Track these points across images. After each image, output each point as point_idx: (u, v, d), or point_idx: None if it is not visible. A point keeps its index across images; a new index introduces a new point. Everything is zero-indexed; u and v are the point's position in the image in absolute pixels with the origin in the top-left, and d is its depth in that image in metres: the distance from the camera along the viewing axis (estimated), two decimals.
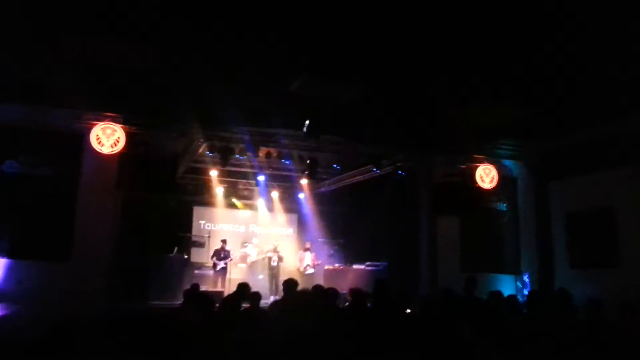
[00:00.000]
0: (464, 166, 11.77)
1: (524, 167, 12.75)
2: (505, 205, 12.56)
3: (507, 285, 11.33)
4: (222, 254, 12.68)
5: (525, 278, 11.99)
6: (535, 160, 12.40)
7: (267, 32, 7.28)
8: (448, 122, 10.02)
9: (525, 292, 11.38)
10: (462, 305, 5.90)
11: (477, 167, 11.76)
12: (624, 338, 4.64)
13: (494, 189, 11.94)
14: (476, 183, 11.65)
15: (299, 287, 5.71)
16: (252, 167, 13.52)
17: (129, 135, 9.56)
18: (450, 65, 8.12)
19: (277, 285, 12.36)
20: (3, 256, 9.03)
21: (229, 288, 11.37)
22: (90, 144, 9.42)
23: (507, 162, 12.56)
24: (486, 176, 11.80)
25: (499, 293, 6.83)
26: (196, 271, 13.03)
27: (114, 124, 9.45)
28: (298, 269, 13.42)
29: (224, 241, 13.03)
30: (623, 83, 8.19)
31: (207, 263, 13.31)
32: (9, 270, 9.10)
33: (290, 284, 5.50)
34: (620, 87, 8.37)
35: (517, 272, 12.09)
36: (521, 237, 12.45)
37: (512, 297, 6.34)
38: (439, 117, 9.90)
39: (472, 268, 10.76)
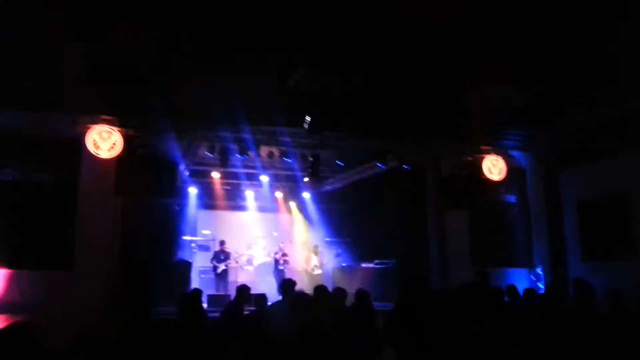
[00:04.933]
0: (470, 158, 11.49)
1: (533, 157, 12.46)
2: (514, 197, 12.28)
3: (520, 279, 11.04)
4: (221, 255, 12.42)
5: (539, 271, 11.69)
6: (544, 150, 12.11)
7: (264, 23, 7.06)
8: (453, 112, 9.74)
9: (540, 285, 11.10)
10: (475, 300, 5.62)
11: (485, 158, 11.50)
12: None
13: (502, 180, 11.67)
14: (484, 175, 11.38)
15: (307, 288, 5.50)
16: (254, 167, 13.30)
17: (126, 139, 9.35)
18: (454, 54, 7.87)
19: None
20: (3, 266, 8.84)
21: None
22: (87, 149, 9.23)
23: (515, 153, 12.28)
24: (494, 167, 11.52)
25: (514, 287, 6.60)
26: (202, 275, 12.83)
27: (110, 127, 9.25)
28: (305, 270, 13.18)
29: (222, 242, 12.76)
30: (626, 63, 7.92)
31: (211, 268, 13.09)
32: (10, 280, 8.92)
33: (286, 285, 5.25)
34: (623, 68, 8.10)
35: (529, 266, 11.81)
36: (532, 229, 12.16)
37: (530, 290, 6.08)
38: (443, 107, 9.63)
39: (483, 262, 10.53)
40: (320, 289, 5.15)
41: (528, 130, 11.51)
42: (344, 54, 7.85)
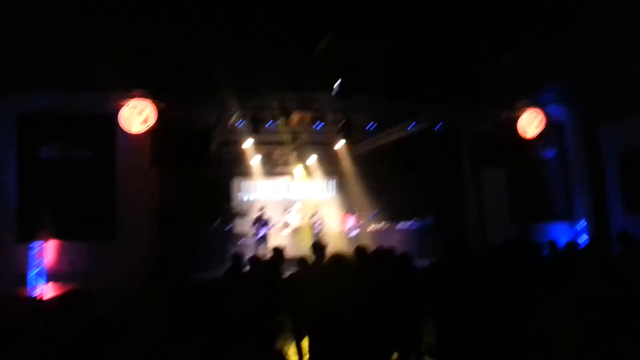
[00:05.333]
0: (507, 114, 11.21)
1: (571, 111, 12.06)
2: (553, 151, 11.95)
3: (561, 234, 10.87)
4: (261, 221, 12.66)
5: (581, 224, 11.48)
6: (583, 103, 11.68)
7: None
8: (487, 69, 9.46)
9: (582, 238, 10.91)
10: (519, 256, 5.55)
11: (521, 114, 11.19)
12: None
13: (540, 136, 11.36)
14: (520, 131, 11.10)
15: (344, 250, 5.50)
16: (286, 133, 13.29)
17: (158, 112, 9.46)
18: (487, 9, 7.60)
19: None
20: (52, 238, 9.21)
21: None
22: (121, 123, 9.39)
23: (553, 107, 11.89)
24: (531, 123, 11.21)
25: (554, 242, 6.49)
26: (240, 241, 13.09)
27: (142, 101, 9.36)
28: (341, 232, 13.27)
29: (262, 208, 13.00)
30: None
31: (249, 233, 13.33)
32: (60, 251, 9.28)
33: (317, 247, 5.29)
34: None
35: (571, 219, 11.58)
36: (573, 183, 11.87)
37: (572, 244, 5.97)
38: (477, 64, 9.35)
39: (524, 219, 10.37)
40: (360, 250, 5.17)
41: (565, 83, 11.09)
42: (374, 15, 7.69)
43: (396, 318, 3.99)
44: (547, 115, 11.56)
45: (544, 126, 11.22)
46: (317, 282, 4.06)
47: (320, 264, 5.05)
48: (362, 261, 4.98)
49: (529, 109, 11.25)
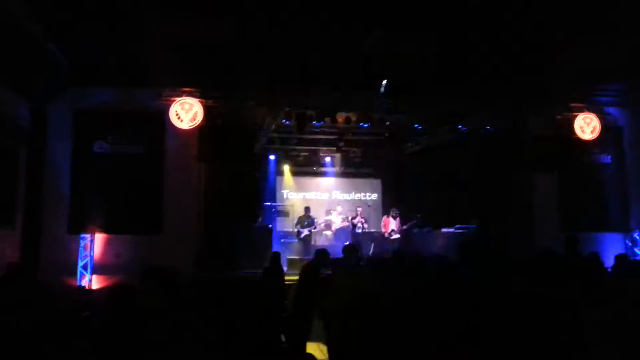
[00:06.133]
0: (560, 116, 10.76)
1: (631, 114, 11.45)
2: (610, 157, 11.38)
3: (614, 245, 10.34)
4: (305, 221, 12.68)
5: (637, 235, 10.87)
6: None
7: None
8: (540, 66, 9.08)
9: (638, 250, 10.34)
10: (564, 268, 5.29)
11: (576, 116, 10.71)
12: None
13: (596, 140, 10.84)
14: (575, 135, 10.63)
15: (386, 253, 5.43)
16: (331, 133, 13.26)
17: (206, 109, 9.64)
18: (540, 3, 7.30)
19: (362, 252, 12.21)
20: (100, 232, 9.53)
21: None
22: (171, 120, 9.62)
23: (611, 110, 11.33)
24: (587, 126, 10.72)
25: (596, 255, 6.14)
26: (282, 240, 13.16)
27: (191, 98, 9.56)
28: (383, 235, 13.12)
29: (307, 208, 13.02)
30: None
31: (292, 232, 13.38)
32: (107, 244, 9.61)
33: (348, 250, 5.23)
34: None
35: (626, 230, 10.98)
36: (630, 192, 11.27)
37: (622, 257, 5.63)
38: (528, 61, 8.99)
39: (573, 227, 9.91)
40: (398, 255, 5.07)
41: (625, 84, 10.53)
42: (423, 11, 7.51)
43: (428, 327, 3.86)
44: (606, 118, 11.04)
45: (601, 130, 10.71)
46: (349, 284, 4.01)
47: (354, 266, 5.00)
48: (399, 266, 4.87)
49: (585, 111, 10.76)
